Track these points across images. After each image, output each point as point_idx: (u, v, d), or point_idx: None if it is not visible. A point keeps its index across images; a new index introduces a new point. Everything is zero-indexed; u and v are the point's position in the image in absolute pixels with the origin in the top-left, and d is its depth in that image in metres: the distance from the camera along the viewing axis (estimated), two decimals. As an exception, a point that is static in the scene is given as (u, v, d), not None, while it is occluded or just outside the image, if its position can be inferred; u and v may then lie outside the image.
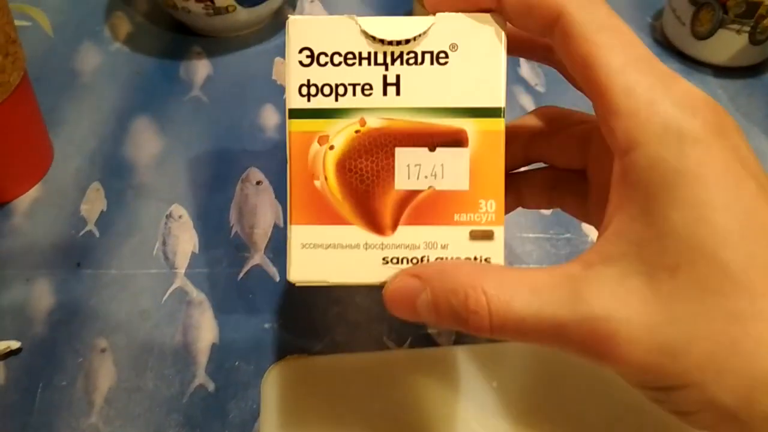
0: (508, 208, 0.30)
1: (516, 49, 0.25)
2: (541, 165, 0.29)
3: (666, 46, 0.53)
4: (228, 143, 0.46)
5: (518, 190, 0.29)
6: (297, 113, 0.24)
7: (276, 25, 0.55)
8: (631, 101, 0.20)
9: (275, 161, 0.44)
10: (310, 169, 0.24)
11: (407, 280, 0.23)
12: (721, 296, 0.18)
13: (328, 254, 0.24)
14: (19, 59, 0.38)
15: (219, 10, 0.49)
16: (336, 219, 0.24)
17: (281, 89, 0.49)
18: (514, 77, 0.50)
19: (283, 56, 0.51)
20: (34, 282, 0.38)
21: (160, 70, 0.51)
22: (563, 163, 0.28)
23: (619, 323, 0.19)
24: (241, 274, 0.39)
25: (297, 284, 0.24)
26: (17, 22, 0.39)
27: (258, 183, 0.43)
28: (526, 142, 0.28)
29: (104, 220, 0.41)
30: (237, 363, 0.35)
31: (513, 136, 0.27)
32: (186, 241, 0.40)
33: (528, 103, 0.48)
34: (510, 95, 0.49)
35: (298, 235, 0.24)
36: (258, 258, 0.39)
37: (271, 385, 0.33)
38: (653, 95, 0.20)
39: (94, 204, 0.42)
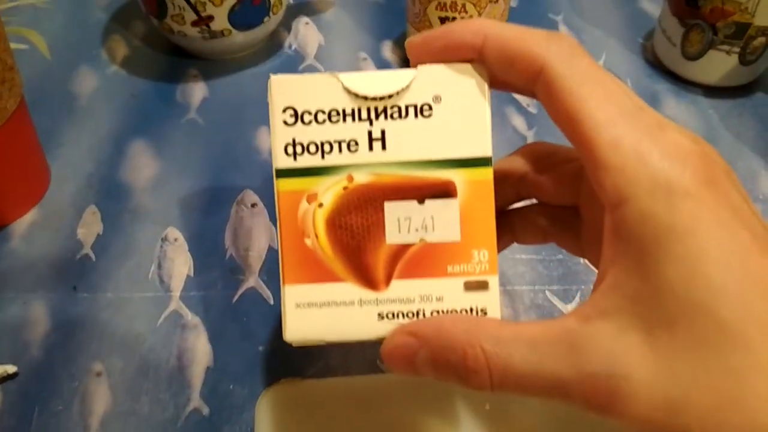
0: (504, 245, 0.30)
1: (502, 86, 0.25)
2: (534, 201, 0.29)
3: (657, 66, 0.53)
4: (223, 165, 0.46)
5: (512, 227, 0.29)
6: (284, 173, 0.24)
7: (271, 47, 0.55)
8: (619, 155, 0.20)
9: (270, 184, 0.44)
10: (300, 228, 0.24)
11: (404, 339, 0.23)
12: (720, 351, 0.18)
13: (324, 312, 0.24)
14: (16, 85, 0.39)
15: (215, 33, 0.50)
16: (329, 276, 0.24)
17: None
18: (506, 98, 0.51)
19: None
20: (30, 305, 0.38)
21: (157, 92, 0.51)
22: (555, 201, 0.27)
23: (620, 380, 0.19)
24: (236, 297, 0.39)
25: (294, 344, 0.24)
26: (15, 45, 0.39)
27: (253, 205, 0.43)
28: (518, 180, 0.28)
29: (100, 243, 0.42)
30: (231, 386, 0.35)
31: (504, 175, 0.28)
32: (181, 264, 0.40)
33: (520, 123, 0.49)
34: (502, 116, 0.49)
35: (292, 294, 0.24)
36: (252, 281, 0.40)
37: (265, 409, 0.34)
38: (640, 148, 0.20)
39: (90, 227, 0.42)
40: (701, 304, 0.18)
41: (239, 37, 0.51)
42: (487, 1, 0.46)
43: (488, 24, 0.23)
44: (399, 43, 0.55)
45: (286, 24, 0.57)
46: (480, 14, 0.47)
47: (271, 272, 0.40)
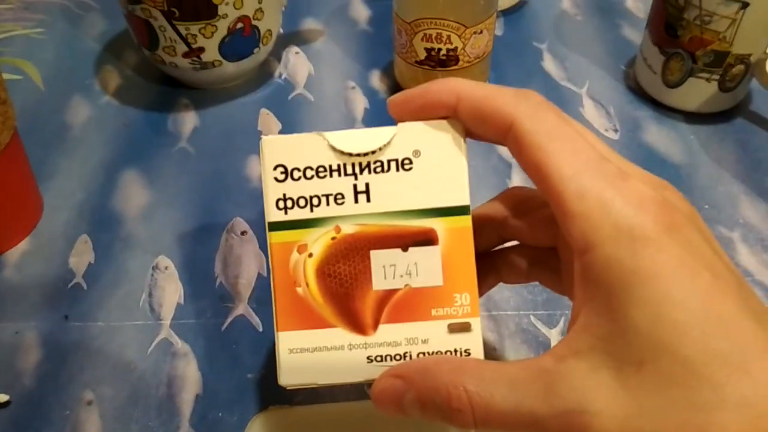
0: (489, 285, 0.31)
1: (477, 138, 0.27)
2: (516, 243, 0.30)
3: (639, 93, 0.54)
4: (214, 194, 0.47)
5: (496, 269, 0.30)
6: (276, 226, 0.25)
7: (261, 77, 0.56)
8: (584, 205, 0.21)
9: (260, 211, 0.45)
10: (292, 277, 0.25)
11: (392, 381, 0.24)
12: (686, 389, 0.19)
13: (315, 357, 0.25)
14: (9, 118, 0.40)
15: (206, 64, 0.51)
16: (320, 323, 0.25)
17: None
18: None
19: (269, 108, 0.53)
20: (23, 334, 0.39)
21: (149, 122, 0.52)
22: (534, 243, 0.29)
23: (593, 416, 0.20)
24: (225, 325, 0.39)
25: (288, 388, 0.26)
26: (9, 76, 0.40)
27: (243, 233, 0.44)
28: (499, 224, 0.29)
29: (92, 272, 0.42)
30: (221, 414, 0.36)
31: (486, 219, 0.29)
32: (171, 292, 0.41)
33: (505, 150, 0.50)
34: (488, 145, 0.50)
35: (286, 341, 0.25)
36: (242, 308, 0.40)
37: (254, 436, 0.34)
38: (604, 197, 0.21)
39: (82, 256, 0.43)
40: (666, 344, 0.19)
41: (230, 68, 0.52)
42: (471, 33, 0.48)
43: (462, 84, 0.25)
44: (387, 72, 0.56)
45: (277, 53, 0.58)
46: (465, 45, 0.48)
47: (260, 300, 0.41)
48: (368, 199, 0.25)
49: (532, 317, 0.40)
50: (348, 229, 0.25)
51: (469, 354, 0.25)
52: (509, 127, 0.23)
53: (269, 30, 0.52)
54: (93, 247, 0.44)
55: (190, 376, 0.37)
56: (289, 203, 0.25)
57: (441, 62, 0.49)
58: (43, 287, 0.41)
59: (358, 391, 0.36)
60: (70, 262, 0.43)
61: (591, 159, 0.22)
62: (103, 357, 0.38)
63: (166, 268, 0.42)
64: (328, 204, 0.25)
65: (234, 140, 0.51)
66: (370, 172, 0.25)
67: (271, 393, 0.36)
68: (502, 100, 0.24)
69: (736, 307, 0.20)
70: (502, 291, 0.41)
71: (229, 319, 0.40)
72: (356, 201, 0.25)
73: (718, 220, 0.45)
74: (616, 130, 0.51)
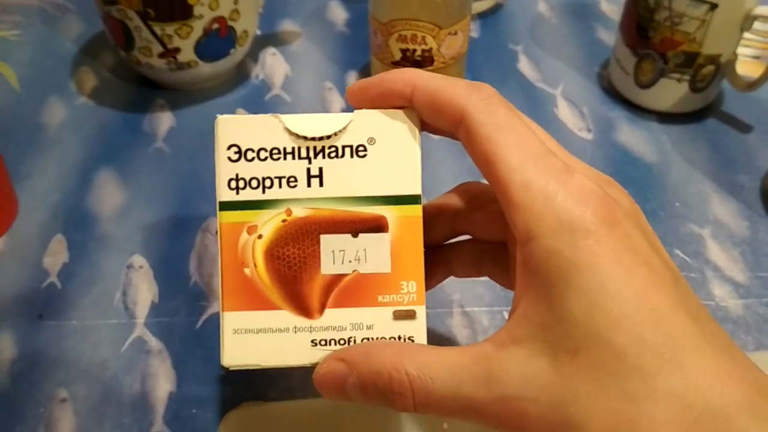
0: (440, 278, 0.31)
1: (431, 130, 0.27)
2: (469, 237, 0.30)
3: (612, 94, 0.55)
4: (189, 194, 0.47)
5: (448, 262, 0.31)
6: (227, 205, 0.26)
7: (238, 78, 0.56)
8: (528, 196, 0.22)
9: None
10: (240, 258, 0.25)
11: (335, 365, 0.24)
12: (618, 378, 0.20)
13: (260, 339, 0.25)
14: (-18, 117, 0.40)
15: (182, 65, 0.51)
16: (266, 304, 0.25)
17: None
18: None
19: (245, 108, 0.53)
20: (-5, 334, 0.39)
21: (124, 122, 0.52)
22: (486, 237, 0.29)
23: (528, 402, 0.21)
24: (200, 323, 0.39)
25: (230, 368, 0.25)
26: (-17, 77, 0.40)
27: (218, 233, 0.44)
28: (452, 217, 0.29)
29: (66, 271, 0.42)
30: (194, 411, 0.36)
31: (439, 212, 0.29)
32: (146, 290, 0.41)
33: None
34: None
35: (230, 321, 0.25)
36: (216, 306, 0.40)
37: (227, 432, 0.34)
38: (547, 190, 0.22)
39: (56, 256, 0.43)
40: (600, 334, 0.20)
41: (206, 69, 0.52)
42: (446, 34, 0.48)
43: (418, 75, 0.25)
44: (364, 73, 0.57)
45: (253, 55, 0.58)
46: (439, 46, 0.49)
47: (235, 298, 0.41)
48: (321, 184, 0.25)
49: (504, 313, 0.40)
50: (299, 212, 0.25)
51: (413, 341, 0.25)
52: (460, 118, 0.24)
53: (245, 31, 0.53)
54: (68, 246, 0.43)
55: (163, 373, 0.37)
56: (241, 183, 0.25)
57: (416, 63, 0.50)
58: (17, 287, 0.41)
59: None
60: (45, 261, 0.43)
61: (538, 152, 0.23)
62: (77, 355, 0.38)
63: (140, 266, 0.42)
64: (280, 186, 0.25)
65: (210, 140, 0.50)
66: (324, 156, 0.25)
67: (244, 390, 0.36)
68: (454, 91, 0.24)
69: (670, 302, 0.20)
70: (475, 287, 0.41)
71: (204, 317, 0.40)
72: (309, 185, 0.25)
73: (689, 218, 0.45)
74: (589, 130, 0.52)
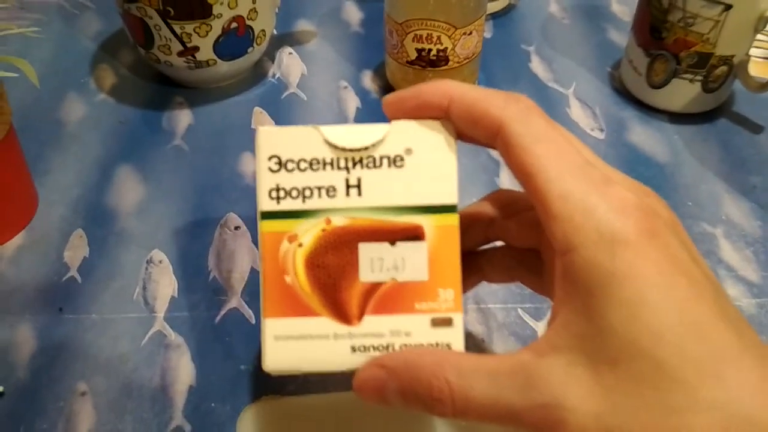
0: (472, 283, 0.32)
1: (468, 140, 0.27)
2: (501, 243, 0.31)
3: (624, 94, 0.55)
4: (207, 190, 0.47)
5: (480, 268, 0.31)
6: (268, 215, 0.26)
7: (255, 76, 0.57)
8: (568, 207, 0.22)
9: (253, 207, 0.46)
10: (281, 266, 0.26)
11: (375, 371, 0.25)
12: (659, 390, 0.20)
13: (300, 345, 0.26)
14: (4, 114, 0.40)
15: (200, 63, 0.52)
16: (306, 311, 0.26)
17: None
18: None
19: (262, 106, 0.53)
20: (17, 327, 0.39)
21: (143, 120, 0.53)
22: (519, 244, 0.29)
23: (568, 411, 0.21)
24: (219, 317, 0.40)
25: (272, 374, 0.26)
26: (4, 74, 0.40)
27: (236, 228, 0.45)
28: (486, 224, 0.30)
29: (86, 266, 0.43)
30: (213, 405, 0.36)
31: (473, 219, 0.30)
32: (165, 285, 0.42)
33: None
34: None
35: (272, 327, 0.26)
36: (235, 301, 0.41)
37: (246, 426, 0.35)
38: (587, 201, 0.22)
39: (76, 250, 0.44)
40: (641, 347, 0.20)
41: (224, 67, 0.53)
42: (461, 34, 0.48)
43: (454, 86, 0.25)
44: (379, 72, 0.57)
45: (270, 54, 0.59)
46: (455, 46, 0.49)
47: (253, 293, 0.41)
48: (359, 194, 0.26)
49: (519, 310, 0.40)
50: (338, 221, 0.26)
51: (450, 348, 0.26)
52: (498, 129, 0.24)
53: (263, 30, 0.53)
54: (88, 241, 0.44)
55: (183, 367, 0.38)
56: (281, 193, 0.26)
57: (431, 62, 0.50)
58: (37, 281, 0.42)
59: (350, 381, 0.37)
60: (65, 256, 0.43)
61: (576, 163, 0.23)
62: (96, 349, 0.39)
63: (160, 261, 0.43)
64: (320, 196, 0.26)
65: (227, 138, 0.51)
66: (362, 167, 0.26)
67: (263, 384, 0.37)
68: (492, 103, 0.24)
69: (711, 313, 0.20)
70: (489, 284, 0.41)
71: (222, 312, 0.40)
72: (348, 194, 0.26)
73: (701, 217, 0.46)
74: (601, 130, 0.52)
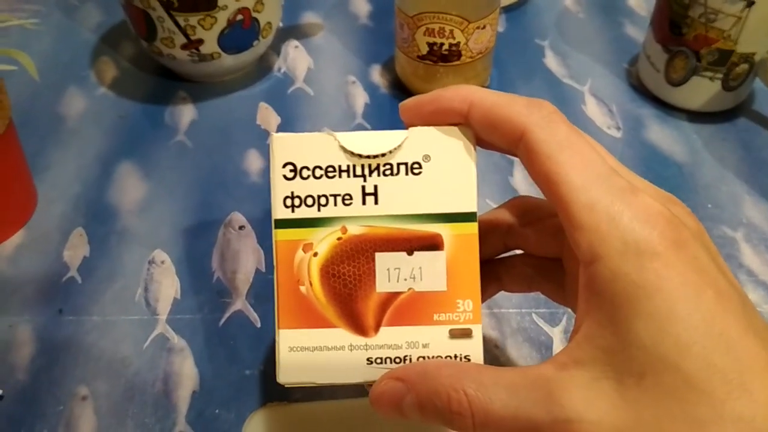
0: (491, 293, 0.31)
1: (487, 146, 0.27)
2: (520, 252, 0.30)
3: (641, 92, 0.54)
4: (211, 188, 0.46)
5: (498, 277, 0.30)
6: (282, 223, 0.25)
7: (260, 70, 0.56)
8: (593, 217, 0.21)
9: (258, 206, 0.45)
10: (296, 276, 0.25)
11: (392, 384, 0.24)
12: (685, 403, 0.19)
13: (315, 356, 0.25)
14: (4, 108, 0.39)
15: (204, 57, 0.50)
16: (321, 322, 0.25)
17: (265, 134, 0.50)
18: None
19: (267, 101, 0.52)
20: (16, 328, 0.38)
21: (145, 114, 0.52)
22: (539, 252, 0.29)
23: (590, 425, 0.20)
24: (223, 320, 0.39)
25: (286, 386, 0.25)
26: (4, 67, 0.39)
27: (241, 228, 0.43)
28: (505, 232, 0.29)
29: (87, 265, 0.41)
30: (217, 411, 0.35)
31: (492, 226, 0.29)
32: (168, 286, 0.40)
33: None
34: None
35: (286, 339, 0.25)
36: (240, 303, 0.40)
37: (252, 434, 0.34)
38: (612, 211, 0.21)
39: (76, 250, 0.42)
40: (668, 359, 0.20)
41: (228, 61, 0.51)
42: (474, 27, 0.47)
43: (474, 91, 0.25)
44: (388, 66, 0.56)
45: (276, 47, 0.58)
46: (468, 40, 0.47)
47: (259, 295, 0.40)
48: (376, 202, 0.25)
49: (534, 315, 0.39)
50: (354, 230, 0.25)
51: (469, 360, 0.25)
52: (521, 136, 0.23)
53: (269, 23, 0.52)
54: (88, 240, 0.43)
55: (186, 372, 0.37)
56: (296, 201, 0.25)
57: (443, 57, 0.49)
58: (37, 281, 0.41)
59: (357, 388, 0.36)
60: (65, 255, 0.42)
61: (601, 171, 0.22)
62: (97, 352, 0.37)
63: (162, 262, 0.42)
64: (335, 204, 0.25)
65: (232, 134, 0.50)
66: (379, 174, 0.25)
67: (269, 390, 0.36)
68: (514, 108, 0.24)
69: (739, 326, 0.20)
70: (503, 289, 0.40)
71: (227, 315, 0.39)
72: (364, 203, 0.25)
73: (721, 220, 0.44)
74: (618, 128, 0.51)
